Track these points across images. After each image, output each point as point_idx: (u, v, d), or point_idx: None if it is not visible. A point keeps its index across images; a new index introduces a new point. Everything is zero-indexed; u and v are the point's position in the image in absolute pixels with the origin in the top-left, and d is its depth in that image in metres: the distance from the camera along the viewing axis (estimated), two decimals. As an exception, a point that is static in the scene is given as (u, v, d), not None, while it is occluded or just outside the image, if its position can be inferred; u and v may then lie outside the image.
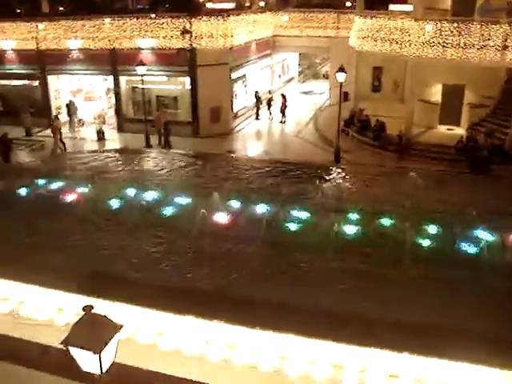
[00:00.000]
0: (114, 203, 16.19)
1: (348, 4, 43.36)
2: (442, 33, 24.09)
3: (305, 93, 43.43)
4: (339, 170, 19.57)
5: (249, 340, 9.80)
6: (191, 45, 28.34)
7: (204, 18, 28.43)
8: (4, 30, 31.79)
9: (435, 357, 8.72)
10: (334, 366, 9.22)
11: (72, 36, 30.30)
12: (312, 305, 10.53)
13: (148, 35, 28.93)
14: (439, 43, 24.09)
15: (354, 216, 14.66)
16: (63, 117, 32.45)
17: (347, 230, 13.97)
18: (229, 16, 29.18)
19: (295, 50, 41.11)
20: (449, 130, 27.68)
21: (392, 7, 32.63)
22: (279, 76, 42.38)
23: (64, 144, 27.50)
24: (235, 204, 15.78)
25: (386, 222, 14.30)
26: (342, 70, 23.51)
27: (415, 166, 21.93)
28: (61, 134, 27.91)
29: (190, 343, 9.95)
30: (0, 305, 11.64)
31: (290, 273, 12.10)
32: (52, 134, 27.55)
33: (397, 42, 25.75)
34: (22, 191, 17.27)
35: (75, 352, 5.69)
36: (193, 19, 28.12)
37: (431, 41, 24.25)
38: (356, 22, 29.95)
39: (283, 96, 33.71)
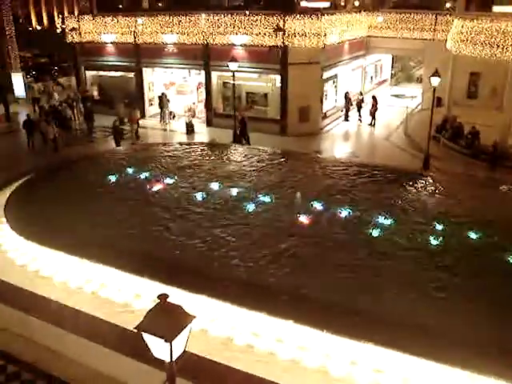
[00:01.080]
0: (198, 195, 16.52)
1: (447, 5, 41.72)
2: (551, 37, 22.65)
3: (396, 96, 42.31)
4: (427, 178, 18.94)
5: (321, 343, 9.68)
6: (283, 43, 28.31)
7: (298, 16, 28.31)
8: (106, 24, 33.34)
9: None
10: (404, 380, 8.99)
11: (168, 31, 31.24)
12: (382, 312, 10.26)
13: (241, 32, 29.24)
14: (546, 48, 22.67)
15: (438, 226, 14.13)
16: (155, 109, 33.52)
17: (430, 239, 13.49)
18: (323, 15, 28.91)
19: (389, 51, 40.07)
20: (548, 142, 26.03)
21: (496, 8, 30.93)
22: (371, 78, 41.56)
23: (137, 134, 28.57)
24: (319, 205, 15.64)
25: (471, 234, 13.66)
26: (436, 73, 22.68)
27: (508, 177, 20.81)
28: (138, 124, 28.95)
29: (262, 340, 9.97)
30: (84, 285, 12.23)
31: (365, 278, 11.81)
32: (130, 124, 28.64)
33: (498, 46, 24.47)
34: (112, 178, 18.07)
35: (147, 338, 5.80)
36: (286, 17, 28.08)
37: (537, 46, 22.85)
38: (454, 24, 28.79)
39: (374, 98, 33.01)
